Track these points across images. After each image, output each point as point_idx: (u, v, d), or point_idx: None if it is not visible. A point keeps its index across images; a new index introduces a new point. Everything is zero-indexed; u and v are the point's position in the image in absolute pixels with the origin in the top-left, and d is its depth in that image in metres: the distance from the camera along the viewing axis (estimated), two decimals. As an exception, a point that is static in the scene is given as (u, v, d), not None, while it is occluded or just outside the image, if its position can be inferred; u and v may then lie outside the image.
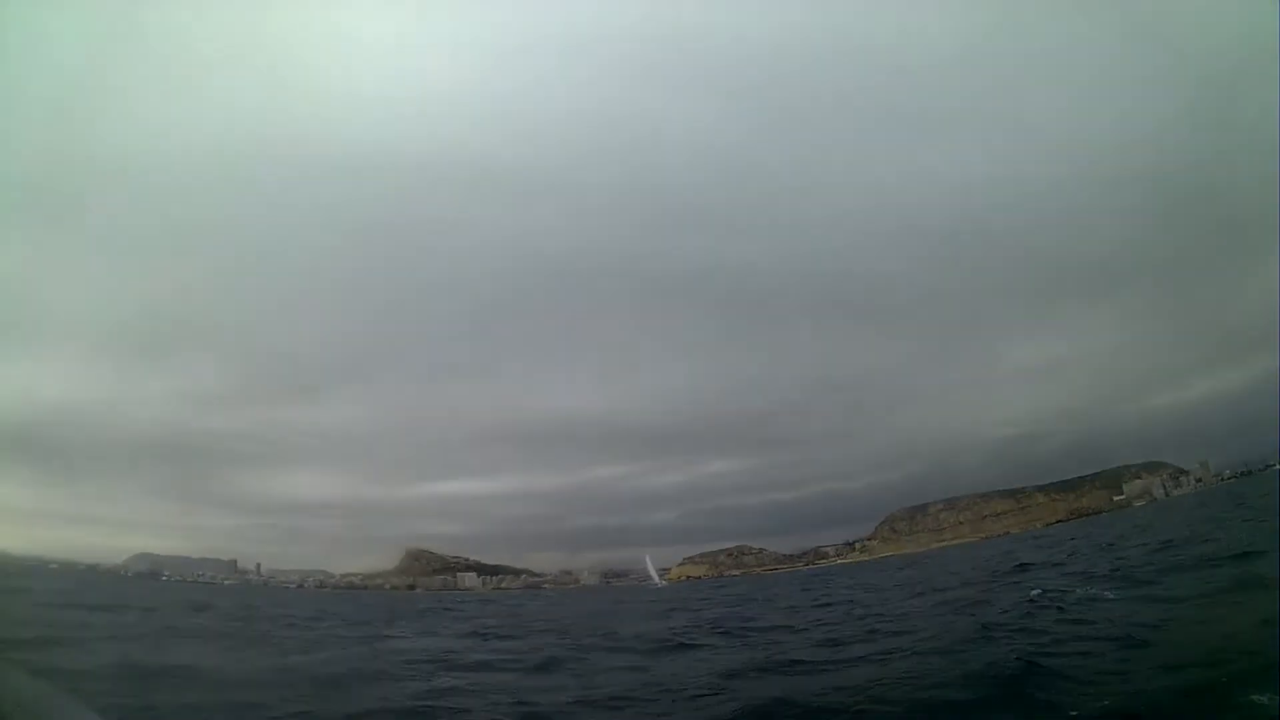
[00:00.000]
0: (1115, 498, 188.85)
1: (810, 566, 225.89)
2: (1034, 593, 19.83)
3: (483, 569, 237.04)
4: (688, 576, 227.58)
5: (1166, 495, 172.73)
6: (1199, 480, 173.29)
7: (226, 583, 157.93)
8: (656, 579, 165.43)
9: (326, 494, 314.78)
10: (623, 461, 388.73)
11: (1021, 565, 31.97)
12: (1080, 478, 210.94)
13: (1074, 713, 8.84)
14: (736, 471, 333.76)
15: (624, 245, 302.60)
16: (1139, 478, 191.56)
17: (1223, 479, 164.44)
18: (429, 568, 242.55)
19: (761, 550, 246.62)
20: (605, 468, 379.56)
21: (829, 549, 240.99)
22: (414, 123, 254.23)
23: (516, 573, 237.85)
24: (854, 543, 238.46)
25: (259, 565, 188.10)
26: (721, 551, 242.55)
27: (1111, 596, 17.69)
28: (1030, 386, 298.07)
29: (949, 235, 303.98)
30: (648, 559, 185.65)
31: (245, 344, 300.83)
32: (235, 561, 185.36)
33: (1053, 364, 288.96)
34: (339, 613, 42.96)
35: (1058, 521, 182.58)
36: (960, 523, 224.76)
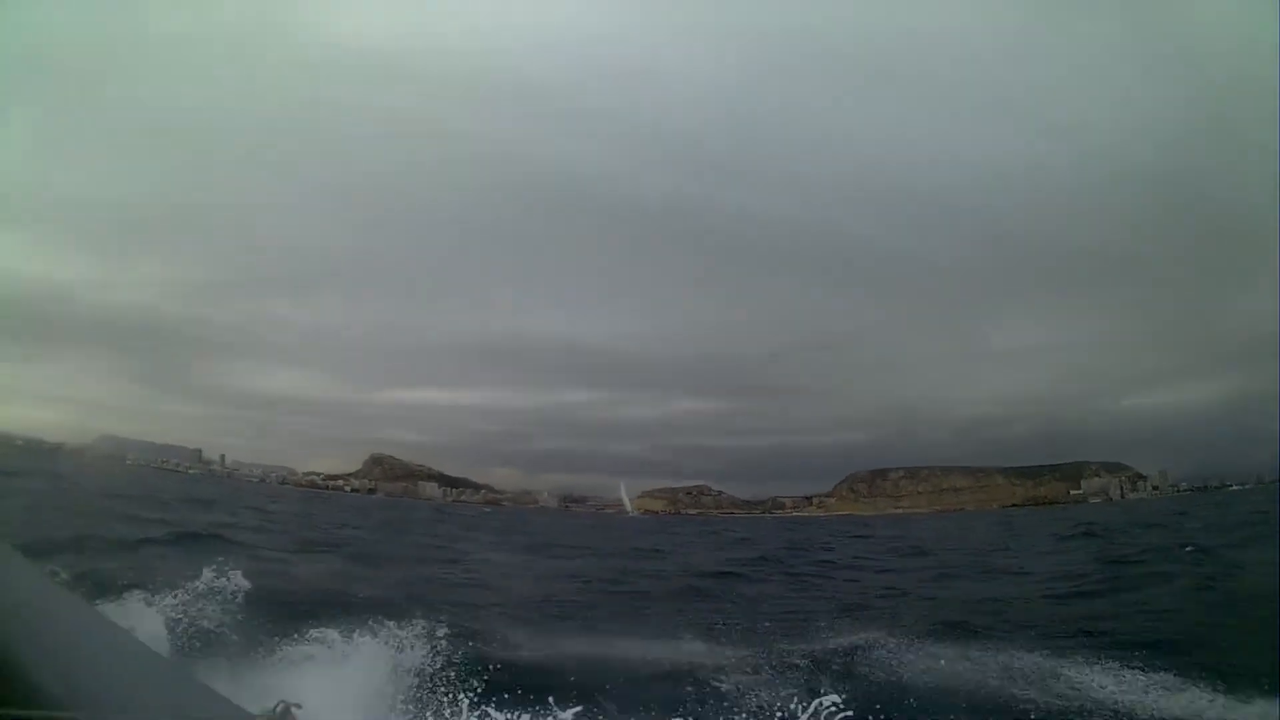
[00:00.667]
0: (1072, 491, 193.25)
1: (767, 515, 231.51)
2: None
3: (444, 480, 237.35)
4: (646, 510, 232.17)
5: (1122, 496, 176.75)
6: (1155, 488, 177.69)
7: (191, 471, 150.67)
8: (630, 508, 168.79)
9: (296, 391, 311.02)
10: (593, 388, 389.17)
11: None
12: (1041, 466, 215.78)
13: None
14: (704, 412, 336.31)
15: (620, 174, 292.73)
16: (1098, 475, 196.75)
17: (1179, 490, 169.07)
18: (391, 473, 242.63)
19: (720, 493, 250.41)
20: (574, 393, 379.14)
21: (786, 500, 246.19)
22: (417, 27, 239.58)
23: (477, 487, 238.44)
24: (812, 497, 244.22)
25: (223, 456, 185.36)
26: (682, 489, 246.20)
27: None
28: (1005, 371, 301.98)
29: (948, 211, 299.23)
30: (623, 487, 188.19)
31: (235, 236, 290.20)
32: (200, 451, 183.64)
33: (1030, 351, 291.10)
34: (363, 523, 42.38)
35: (1013, 505, 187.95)
36: (919, 492, 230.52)
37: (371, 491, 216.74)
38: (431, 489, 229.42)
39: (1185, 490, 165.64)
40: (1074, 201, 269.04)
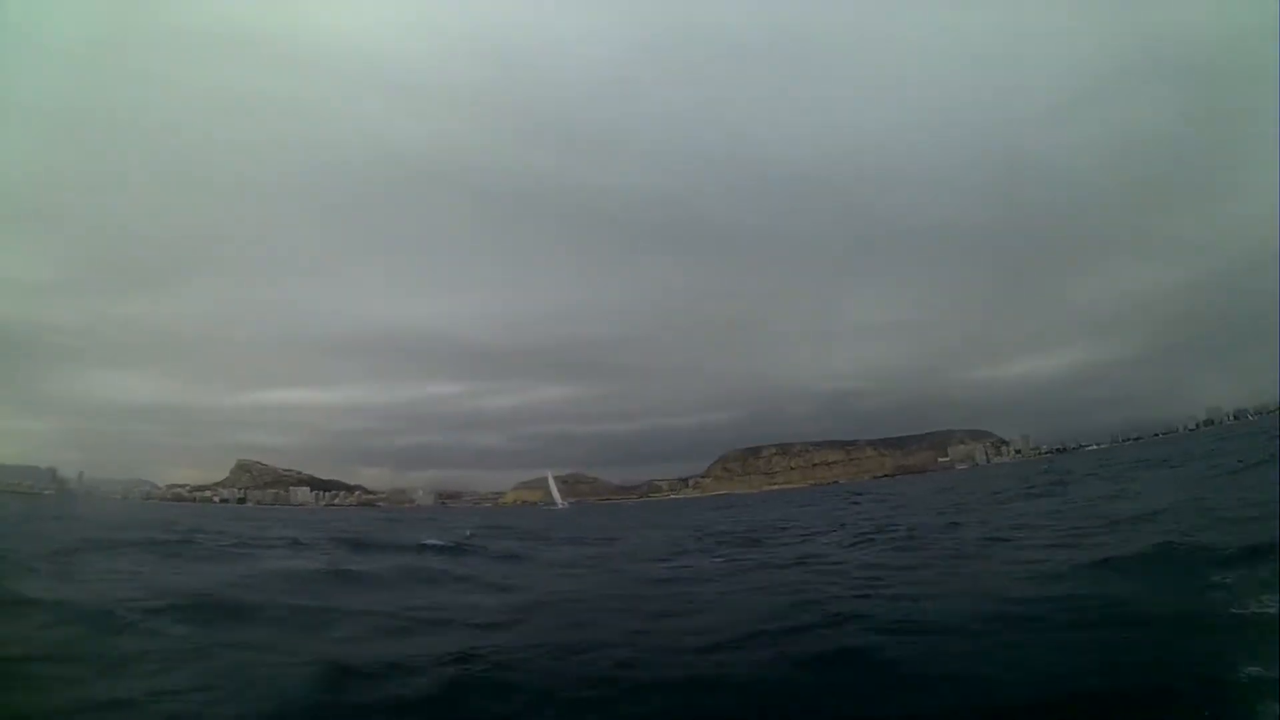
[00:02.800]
0: (940, 459, 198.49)
1: (644, 499, 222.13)
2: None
3: (316, 483, 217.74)
4: (523, 500, 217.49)
5: (988, 461, 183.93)
6: (1018, 451, 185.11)
7: (47, 493, 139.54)
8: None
9: (152, 398, 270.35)
10: (455, 380, 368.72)
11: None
12: (908, 436, 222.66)
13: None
14: (569, 399, 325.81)
15: (476, 154, 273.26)
16: (963, 443, 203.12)
17: (1039, 452, 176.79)
18: (260, 480, 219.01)
19: (596, 479, 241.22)
20: (437, 385, 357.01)
21: (662, 483, 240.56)
22: (271, 3, 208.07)
23: (350, 489, 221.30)
24: (688, 479, 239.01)
25: (81, 474, 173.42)
26: (556, 478, 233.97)
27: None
28: (867, 345, 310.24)
29: (807, 190, 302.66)
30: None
31: (79, 229, 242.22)
32: (55, 470, 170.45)
33: (890, 326, 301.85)
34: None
35: (885, 475, 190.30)
36: (792, 468, 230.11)
37: (241, 501, 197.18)
38: (304, 494, 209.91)
39: (1046, 452, 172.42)
40: (929, 181, 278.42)
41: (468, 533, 29.97)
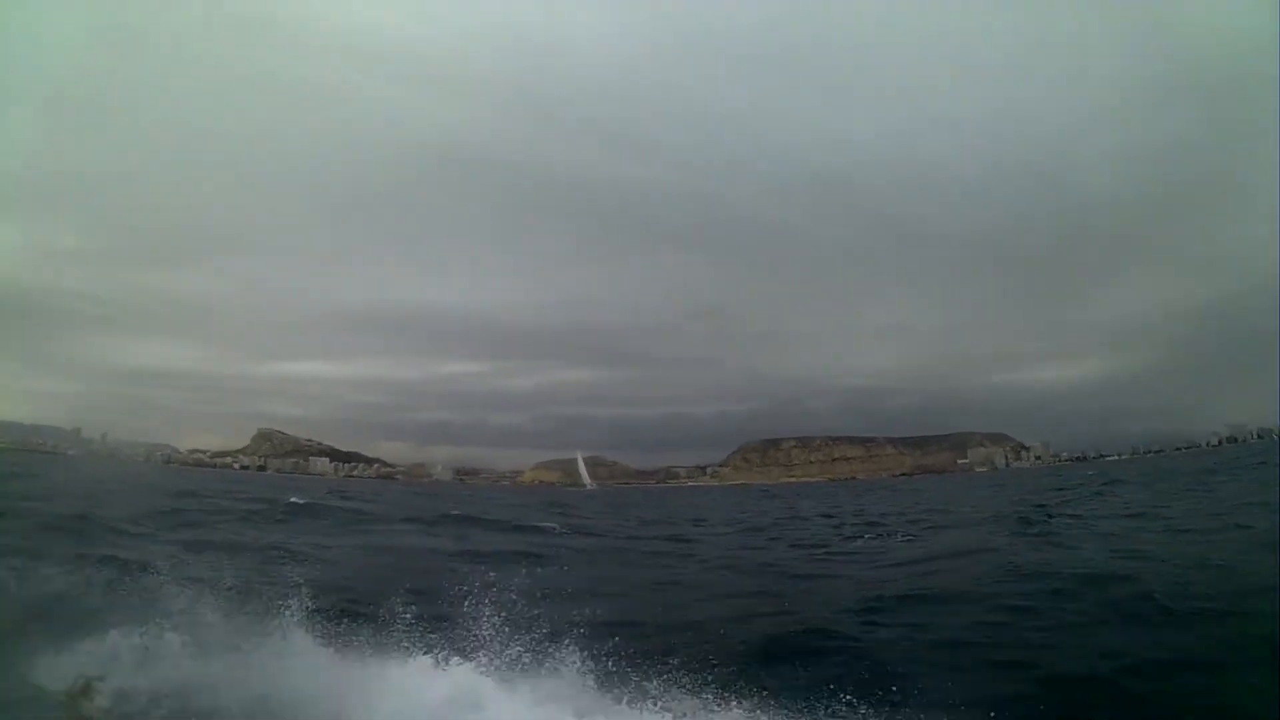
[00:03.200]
0: (959, 460, 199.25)
1: (663, 484, 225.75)
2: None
3: (335, 455, 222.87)
4: (541, 480, 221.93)
5: (1007, 465, 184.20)
6: (1038, 457, 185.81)
7: (70, 453, 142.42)
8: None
9: (176, 365, 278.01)
10: (475, 359, 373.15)
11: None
12: (928, 436, 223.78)
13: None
14: (589, 383, 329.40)
15: (508, 143, 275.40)
16: (983, 445, 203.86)
17: (1059, 460, 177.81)
18: (281, 449, 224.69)
19: (615, 463, 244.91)
20: (458, 364, 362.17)
21: (680, 469, 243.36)
22: None
23: (369, 461, 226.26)
24: (705, 467, 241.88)
25: (104, 435, 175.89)
26: (576, 460, 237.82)
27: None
28: (888, 343, 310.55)
29: (835, 191, 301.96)
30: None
31: (112, 202, 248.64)
32: (79, 430, 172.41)
33: (909, 327, 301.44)
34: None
35: (903, 474, 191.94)
36: (811, 461, 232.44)
37: (261, 468, 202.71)
38: (323, 464, 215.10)
39: (1066, 460, 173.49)
40: (953, 188, 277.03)
41: (555, 527, 29.31)
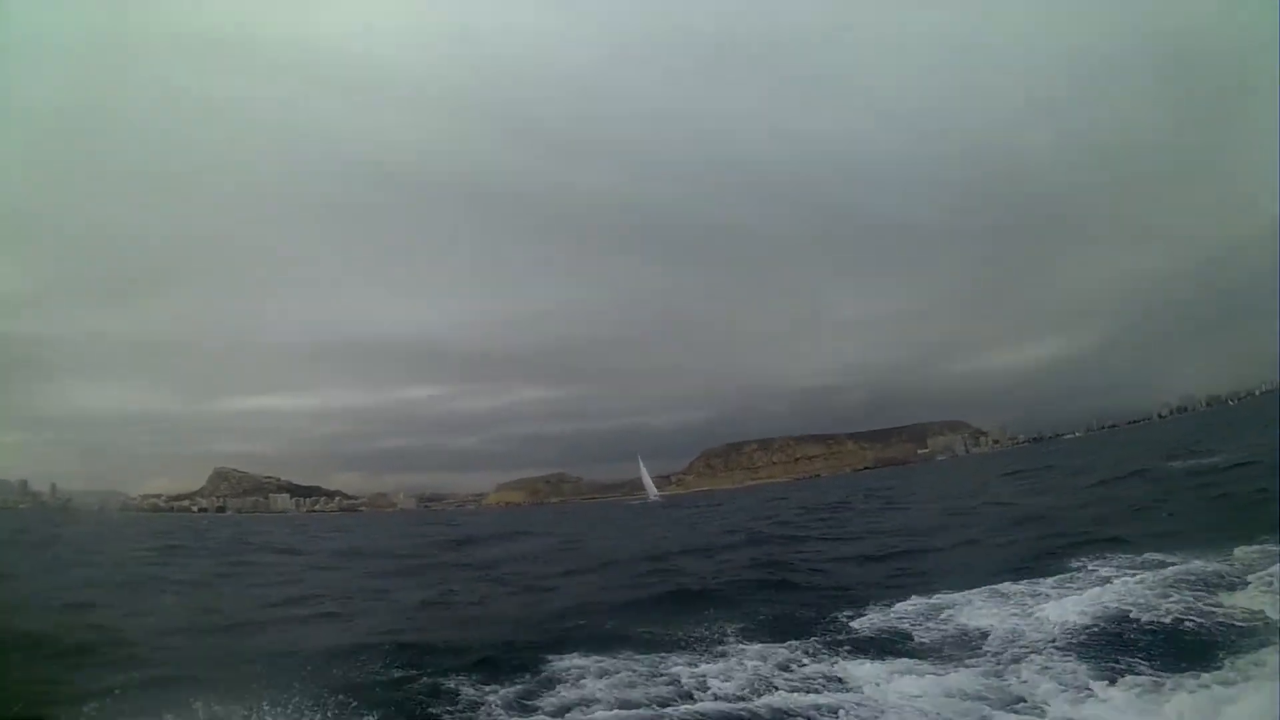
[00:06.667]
0: (920, 450, 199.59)
1: (628, 497, 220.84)
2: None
3: (296, 490, 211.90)
4: (507, 502, 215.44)
5: (966, 451, 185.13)
6: (995, 441, 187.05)
7: (21, 507, 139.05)
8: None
9: (124, 407, 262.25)
10: (432, 382, 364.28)
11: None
12: (888, 429, 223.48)
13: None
14: (546, 400, 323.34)
15: (451, 157, 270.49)
16: (942, 434, 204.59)
17: (1017, 442, 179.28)
18: (239, 488, 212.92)
19: (579, 479, 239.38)
20: (415, 388, 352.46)
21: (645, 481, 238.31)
22: (247, 14, 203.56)
23: (330, 494, 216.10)
24: (670, 476, 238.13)
25: (53, 486, 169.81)
26: (539, 478, 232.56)
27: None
28: (845, 340, 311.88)
29: (784, 187, 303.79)
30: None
31: (49, 239, 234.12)
32: (25, 482, 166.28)
33: (866, 321, 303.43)
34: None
35: (866, 468, 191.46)
36: (774, 463, 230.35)
37: (221, 509, 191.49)
38: (284, 500, 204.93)
39: (1023, 442, 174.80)
40: (904, 176, 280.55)
41: None
